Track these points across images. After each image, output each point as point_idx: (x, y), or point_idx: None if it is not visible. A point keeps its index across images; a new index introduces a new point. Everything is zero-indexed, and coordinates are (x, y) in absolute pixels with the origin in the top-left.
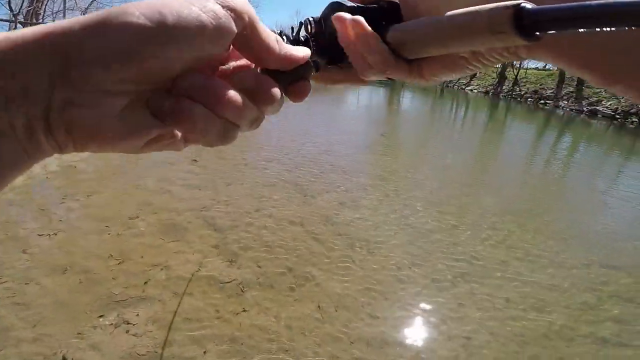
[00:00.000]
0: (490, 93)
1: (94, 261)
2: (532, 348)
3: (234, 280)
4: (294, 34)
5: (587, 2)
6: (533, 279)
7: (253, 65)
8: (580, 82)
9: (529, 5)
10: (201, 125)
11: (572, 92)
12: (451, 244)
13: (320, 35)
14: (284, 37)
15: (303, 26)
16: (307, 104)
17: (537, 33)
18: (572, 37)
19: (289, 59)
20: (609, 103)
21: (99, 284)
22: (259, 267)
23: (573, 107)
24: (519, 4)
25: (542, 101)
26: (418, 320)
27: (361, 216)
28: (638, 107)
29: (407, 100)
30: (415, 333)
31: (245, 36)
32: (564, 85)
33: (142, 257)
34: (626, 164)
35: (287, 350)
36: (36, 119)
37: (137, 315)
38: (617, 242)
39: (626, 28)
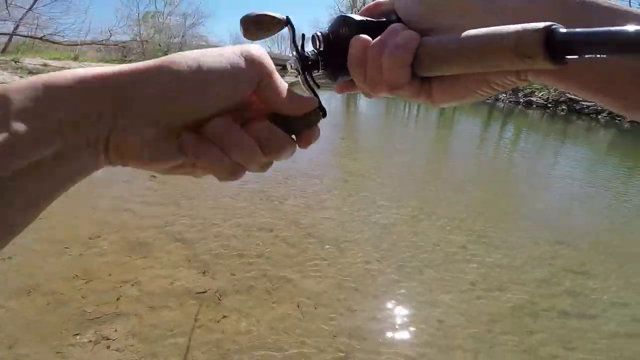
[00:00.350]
0: None
1: (58, 282)
2: (502, 325)
3: (209, 289)
4: (300, 50)
5: (623, 27)
6: (491, 259)
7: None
8: None
9: (562, 28)
10: (214, 164)
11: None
12: (413, 234)
13: (329, 51)
14: (292, 53)
15: (311, 41)
16: None
17: (567, 57)
18: (585, 63)
19: (298, 106)
20: (541, 94)
21: (68, 303)
22: (233, 274)
23: (511, 99)
24: (550, 26)
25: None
26: (393, 308)
27: (328, 216)
28: (566, 95)
29: (364, 102)
30: (392, 320)
31: (263, 84)
32: None
33: (110, 275)
34: (561, 146)
35: (273, 350)
36: (101, 139)
37: (115, 330)
38: (559, 219)
39: None
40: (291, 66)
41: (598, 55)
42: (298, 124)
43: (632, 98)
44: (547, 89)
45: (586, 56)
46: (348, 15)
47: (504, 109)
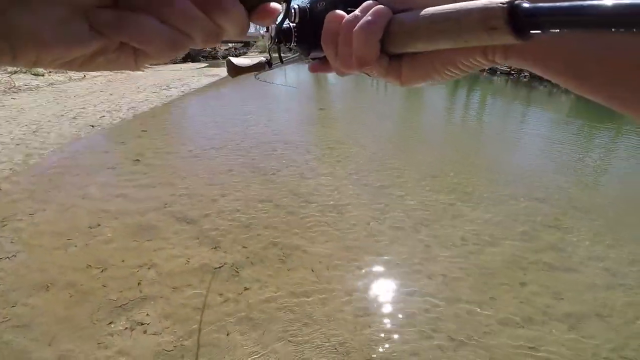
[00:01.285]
0: None
1: (74, 274)
2: (498, 278)
3: (225, 264)
4: (278, 21)
5: (585, 2)
6: (476, 216)
7: None
8: None
9: (525, 3)
10: (146, 35)
11: None
12: (402, 194)
13: (304, 25)
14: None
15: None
16: (237, 90)
17: (531, 32)
18: (549, 45)
19: None
20: None
21: (91, 294)
22: (245, 247)
23: None
24: (514, 0)
25: None
26: (400, 266)
27: (323, 183)
28: None
29: (333, 76)
30: (401, 277)
31: None
32: None
33: (123, 261)
34: (526, 110)
35: (299, 314)
36: None
37: (147, 314)
38: (533, 176)
39: (622, 31)
40: (262, 36)
41: (561, 30)
42: None
43: (594, 80)
44: None
45: (550, 31)
46: None
47: (469, 76)
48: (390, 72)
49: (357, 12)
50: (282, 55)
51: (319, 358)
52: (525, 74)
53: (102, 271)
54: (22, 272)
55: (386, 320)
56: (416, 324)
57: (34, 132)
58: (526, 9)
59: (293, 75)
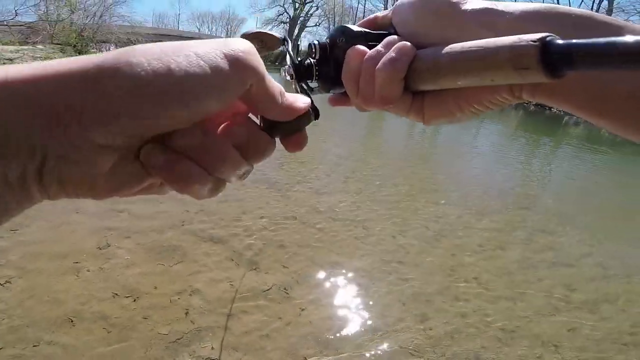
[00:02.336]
0: None
1: (99, 305)
2: (517, 277)
3: (273, 285)
4: (298, 58)
5: (621, 38)
6: (481, 226)
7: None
8: None
9: (558, 39)
10: (191, 183)
11: None
12: (416, 208)
13: (325, 61)
14: (289, 60)
15: (308, 50)
16: None
17: (565, 70)
18: (578, 83)
19: (290, 110)
20: None
21: (133, 328)
22: (285, 267)
23: None
24: (546, 37)
25: None
26: (436, 273)
27: (340, 199)
28: None
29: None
30: (441, 284)
31: (252, 90)
32: None
33: (156, 287)
34: (480, 125)
35: (363, 327)
36: (30, 172)
37: (212, 348)
38: (513, 188)
39: None
40: (285, 73)
41: (596, 69)
42: (286, 127)
43: (628, 119)
44: None
45: (583, 69)
46: (347, 25)
47: None
48: (413, 110)
49: (379, 47)
50: (308, 87)
51: None
52: None
53: (134, 300)
54: (29, 303)
55: (444, 318)
56: (469, 317)
57: None
58: (560, 46)
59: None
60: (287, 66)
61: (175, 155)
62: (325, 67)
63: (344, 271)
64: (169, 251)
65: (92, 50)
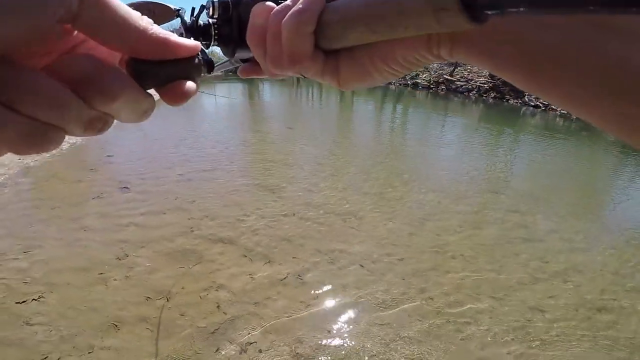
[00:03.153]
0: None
1: (137, 308)
2: (498, 252)
3: (287, 274)
4: (192, 17)
5: None
6: (459, 209)
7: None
8: None
9: None
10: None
11: None
12: (400, 197)
13: (226, 21)
14: (182, 20)
15: (205, 9)
16: (172, 108)
17: (488, 12)
18: (501, 36)
19: (163, 46)
20: (424, 76)
21: (174, 325)
22: (295, 257)
23: (401, 82)
24: None
25: None
26: (428, 253)
27: (331, 194)
28: (444, 77)
29: (273, 92)
30: (435, 261)
31: (92, 15)
32: None
33: (183, 287)
34: (445, 119)
35: (376, 303)
36: None
37: (249, 334)
38: (483, 174)
39: (582, 12)
40: (181, 35)
41: (523, 10)
42: (160, 71)
43: (549, 78)
44: (428, 71)
45: (510, 10)
46: None
47: (395, 90)
48: (327, 72)
49: (287, 1)
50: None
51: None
52: (442, 87)
53: (167, 300)
54: (70, 314)
55: (440, 289)
56: (462, 288)
57: None
58: None
59: (224, 94)
60: (177, 27)
61: None
62: (226, 28)
63: (347, 256)
64: (185, 255)
65: None
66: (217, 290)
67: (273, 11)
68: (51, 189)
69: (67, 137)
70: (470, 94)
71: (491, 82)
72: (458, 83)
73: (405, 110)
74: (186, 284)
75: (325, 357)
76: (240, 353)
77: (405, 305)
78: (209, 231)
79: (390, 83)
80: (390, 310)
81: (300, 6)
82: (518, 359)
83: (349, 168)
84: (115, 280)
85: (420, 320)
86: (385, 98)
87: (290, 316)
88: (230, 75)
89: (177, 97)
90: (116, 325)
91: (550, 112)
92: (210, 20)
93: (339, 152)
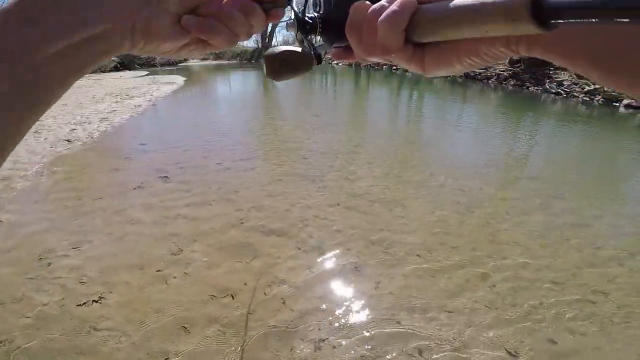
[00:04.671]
0: (353, 65)
1: (203, 307)
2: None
3: (343, 265)
4: (300, 12)
5: None
6: (464, 183)
7: None
8: None
9: None
10: (217, 36)
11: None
12: (440, 185)
13: (329, 15)
14: (293, 14)
15: (312, 5)
16: (203, 96)
17: (553, 22)
18: (573, 38)
19: None
20: None
21: (244, 325)
22: (348, 249)
23: None
24: None
25: (393, 67)
26: (463, 237)
27: (372, 184)
28: None
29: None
30: (470, 255)
31: None
32: None
33: (245, 284)
34: (463, 107)
35: (442, 289)
36: (136, 24)
37: (319, 329)
38: (484, 161)
39: None
40: (288, 27)
41: (583, 21)
42: (268, 5)
43: (616, 72)
44: None
45: (572, 21)
46: None
47: (412, 79)
48: (414, 61)
49: (383, 2)
50: (311, 44)
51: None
52: (461, 75)
53: (232, 299)
54: (135, 317)
55: (501, 276)
56: (522, 274)
57: None
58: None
59: (241, 84)
60: (290, 20)
61: (202, 18)
62: (328, 21)
63: (400, 246)
64: (240, 248)
65: None
66: (279, 285)
67: (370, 9)
68: (89, 179)
69: (85, 130)
70: (489, 82)
71: (510, 70)
72: (477, 70)
73: (420, 96)
74: (248, 280)
75: (399, 345)
76: (315, 351)
77: (471, 294)
78: (259, 223)
79: (406, 70)
80: (456, 300)
81: (396, 8)
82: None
83: (384, 157)
84: (174, 277)
85: (488, 308)
86: (402, 85)
87: (357, 309)
88: (245, 63)
89: (276, 17)
90: (186, 328)
91: (572, 98)
92: (316, 15)
93: (373, 141)
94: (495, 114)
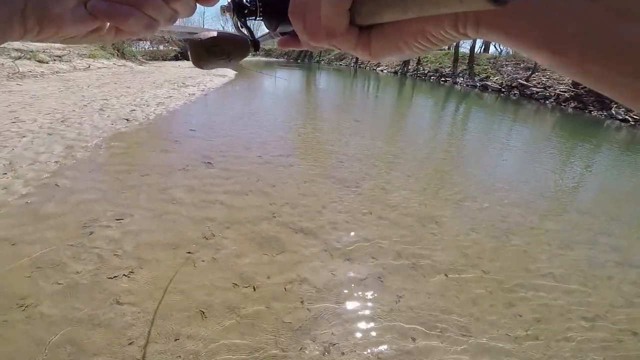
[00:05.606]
0: (399, 73)
1: (224, 295)
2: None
3: (368, 275)
4: None
5: None
6: (506, 209)
7: None
8: (471, 60)
9: None
10: (129, 21)
11: (465, 69)
12: (479, 208)
13: None
14: None
15: None
16: (254, 89)
17: None
18: (524, 15)
19: None
20: (495, 79)
21: (260, 318)
22: (374, 258)
23: (469, 83)
24: None
25: (442, 78)
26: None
27: (407, 197)
28: (518, 81)
29: (330, 80)
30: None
31: None
32: (458, 64)
33: (268, 277)
34: (513, 125)
35: (464, 313)
36: (26, 9)
37: (332, 333)
38: (530, 187)
39: None
40: (224, 11)
41: None
42: None
43: (570, 57)
44: (501, 74)
45: None
46: None
47: (461, 91)
48: (360, 45)
49: None
50: (251, 31)
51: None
52: (515, 92)
53: (254, 290)
54: (158, 294)
55: (528, 306)
56: (551, 307)
57: (61, 121)
58: None
59: (292, 82)
60: (226, 3)
61: (115, 1)
62: (270, 4)
63: (429, 263)
64: (268, 242)
65: (127, 47)
66: (300, 283)
67: None
68: (141, 156)
69: (143, 112)
70: (547, 102)
71: (573, 91)
72: (534, 89)
73: (468, 111)
74: (271, 274)
75: None
76: (323, 354)
77: (492, 320)
78: (289, 219)
79: (456, 83)
80: (476, 326)
81: None
82: None
83: (424, 170)
84: (203, 261)
85: (508, 335)
86: (449, 97)
87: (372, 320)
88: (292, 62)
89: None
90: (203, 313)
91: None
92: None
93: (412, 152)
94: (550, 137)
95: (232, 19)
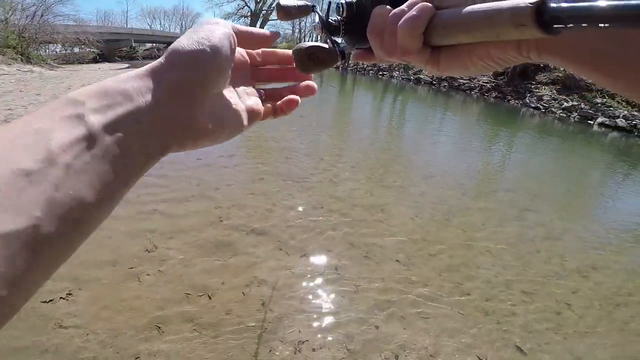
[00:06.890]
0: (340, 67)
1: (178, 306)
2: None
3: (324, 268)
4: (325, 17)
5: (598, 3)
6: (443, 192)
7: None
8: None
9: (552, 2)
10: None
11: (400, 64)
12: (420, 193)
13: (351, 18)
14: (318, 18)
15: (335, 9)
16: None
17: (556, 27)
18: (577, 43)
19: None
20: (427, 72)
21: (221, 325)
22: (329, 250)
23: (403, 77)
24: (541, 0)
25: (380, 73)
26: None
27: (354, 187)
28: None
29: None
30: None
31: (243, 39)
32: None
33: (223, 283)
34: (444, 114)
35: (419, 294)
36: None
37: (299, 331)
38: (462, 171)
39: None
40: (315, 28)
41: (580, 25)
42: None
43: (613, 73)
44: None
45: (571, 25)
46: None
47: (397, 84)
48: (430, 62)
49: (404, 6)
50: (337, 44)
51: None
52: (445, 84)
53: (209, 298)
54: (105, 314)
55: (474, 283)
56: (494, 283)
57: None
58: (552, 7)
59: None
60: (316, 23)
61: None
62: (351, 24)
63: (381, 250)
64: (219, 247)
65: (34, 51)
66: (258, 285)
67: (391, 14)
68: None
69: None
70: (472, 92)
71: (494, 82)
72: (461, 81)
73: (404, 103)
74: (226, 279)
75: (377, 353)
76: (295, 353)
77: (444, 298)
78: (239, 221)
79: (392, 77)
80: (432, 304)
81: (415, 13)
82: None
83: (367, 161)
84: (148, 275)
85: (461, 314)
86: (387, 90)
87: (337, 312)
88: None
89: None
90: (159, 327)
91: (550, 114)
92: (339, 18)
93: (356, 145)
94: (476, 124)
95: (321, 35)
